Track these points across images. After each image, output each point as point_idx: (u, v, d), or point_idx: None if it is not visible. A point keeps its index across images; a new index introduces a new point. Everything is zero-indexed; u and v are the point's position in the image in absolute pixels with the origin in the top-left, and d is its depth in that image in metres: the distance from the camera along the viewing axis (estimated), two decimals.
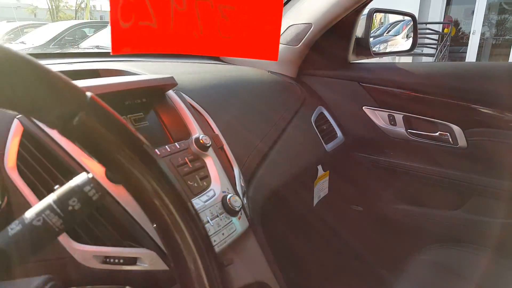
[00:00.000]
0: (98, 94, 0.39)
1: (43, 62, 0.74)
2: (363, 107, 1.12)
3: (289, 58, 1.11)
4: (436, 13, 8.12)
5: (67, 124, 0.25)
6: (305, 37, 1.06)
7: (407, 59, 7.22)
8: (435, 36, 7.41)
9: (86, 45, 6.29)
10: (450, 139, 1.02)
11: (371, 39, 1.15)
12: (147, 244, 0.50)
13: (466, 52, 8.11)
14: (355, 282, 1.01)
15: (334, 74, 1.14)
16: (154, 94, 0.69)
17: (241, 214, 0.62)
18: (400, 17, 1.35)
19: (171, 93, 0.72)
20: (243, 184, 0.69)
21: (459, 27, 8.71)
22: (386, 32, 1.71)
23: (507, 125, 0.97)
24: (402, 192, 1.12)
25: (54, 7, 19.90)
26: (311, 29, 1.04)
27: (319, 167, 1.01)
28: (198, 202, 0.58)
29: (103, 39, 6.33)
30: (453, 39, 8.39)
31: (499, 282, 0.81)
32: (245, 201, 0.66)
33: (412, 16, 1.23)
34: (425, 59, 7.24)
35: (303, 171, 0.92)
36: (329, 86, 1.14)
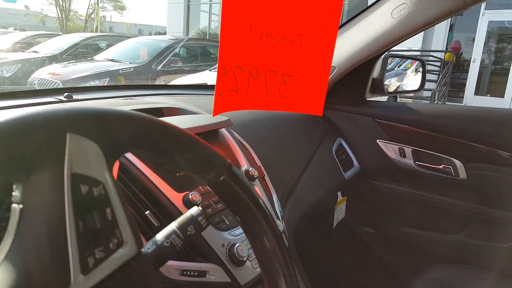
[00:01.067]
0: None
1: (100, 94, 0.89)
2: (377, 140, 1.27)
3: None
4: (439, 40, 8.39)
5: (216, 181, 0.40)
6: (329, 77, 1.21)
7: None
8: (438, 63, 7.65)
9: (99, 58, 6.47)
10: (452, 172, 1.17)
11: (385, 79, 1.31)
12: (215, 260, 0.62)
13: (466, 79, 8.37)
14: None
15: (352, 110, 1.30)
16: (211, 131, 0.84)
17: (283, 233, 0.76)
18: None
19: (223, 130, 0.86)
20: (280, 210, 0.83)
21: (460, 55, 8.97)
22: (397, 66, 1.85)
23: (502, 161, 1.11)
24: (409, 217, 1.26)
25: (63, 16, 20.24)
26: (335, 71, 1.20)
27: (339, 193, 1.15)
28: None
29: (116, 52, 6.51)
30: (455, 65, 8.64)
31: None
32: (283, 224, 0.80)
33: (422, 60, 1.39)
34: (428, 84, 7.49)
35: (326, 196, 1.07)
36: (347, 120, 1.29)
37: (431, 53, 7.82)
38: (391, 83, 1.67)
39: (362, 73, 1.24)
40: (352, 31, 1.13)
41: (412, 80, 1.51)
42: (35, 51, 7.82)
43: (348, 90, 1.27)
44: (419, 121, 1.21)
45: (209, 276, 0.59)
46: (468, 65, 8.43)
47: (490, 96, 8.27)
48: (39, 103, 0.84)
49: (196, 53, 6.79)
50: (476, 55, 8.23)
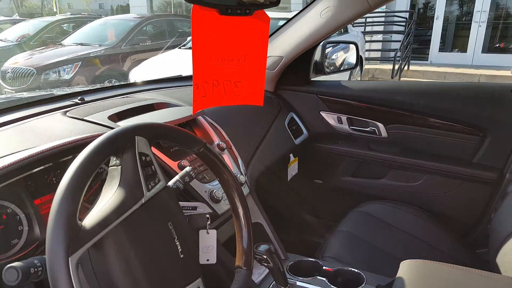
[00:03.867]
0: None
1: (103, 94, 1.22)
2: (320, 112, 1.62)
3: (268, 78, 1.59)
4: (403, 1, 8.66)
5: (198, 152, 0.73)
6: (278, 65, 1.53)
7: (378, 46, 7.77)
8: (403, 23, 7.94)
9: (68, 42, 6.47)
10: (377, 132, 1.54)
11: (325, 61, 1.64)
12: (201, 200, 0.96)
13: (431, 36, 8.69)
14: (311, 228, 1.52)
15: (300, 89, 1.63)
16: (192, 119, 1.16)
17: (245, 184, 1.11)
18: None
19: (199, 117, 1.19)
20: (244, 169, 1.17)
21: (424, 12, 9.24)
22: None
23: (413, 122, 1.48)
24: (347, 169, 1.64)
25: None
26: (283, 60, 1.52)
27: (291, 155, 1.51)
28: None
29: (84, 35, 6.49)
30: (420, 23, 8.91)
31: (409, 225, 1.33)
32: (246, 178, 1.15)
33: (355, 43, 1.72)
34: (394, 44, 7.79)
35: (280, 158, 1.42)
36: (297, 98, 1.63)
37: (396, 14, 8.11)
38: (338, 57, 2.00)
39: (305, 59, 1.56)
40: (293, 28, 1.45)
41: (350, 57, 1.84)
42: (1, 40, 7.70)
43: (295, 73, 1.60)
44: (352, 95, 1.56)
45: (198, 209, 0.94)
46: (433, 22, 8.68)
47: (457, 51, 8.56)
48: (63, 106, 1.13)
49: (163, 29, 6.83)
50: (439, 12, 8.51)
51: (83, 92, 1.28)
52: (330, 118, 1.61)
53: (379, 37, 8.32)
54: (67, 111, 1.09)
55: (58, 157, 0.78)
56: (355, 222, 1.34)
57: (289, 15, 1.36)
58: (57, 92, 1.28)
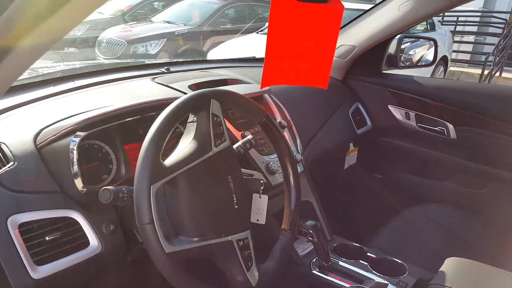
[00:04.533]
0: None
1: (185, 67, 1.36)
2: (388, 105, 1.60)
3: (338, 67, 1.61)
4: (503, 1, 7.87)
5: (260, 121, 0.81)
6: (351, 55, 1.55)
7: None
8: (502, 25, 7.24)
9: (157, 19, 6.94)
10: (445, 132, 1.49)
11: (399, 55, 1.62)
12: (259, 170, 1.05)
13: None
14: (361, 218, 1.52)
15: (370, 80, 1.63)
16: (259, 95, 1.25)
17: (300, 163, 1.18)
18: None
19: (265, 95, 1.27)
20: (301, 149, 1.23)
21: None
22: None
23: (485, 126, 1.41)
24: (409, 167, 1.61)
25: None
26: (355, 49, 1.53)
27: (351, 144, 1.53)
28: None
29: (171, 14, 6.92)
30: None
31: (464, 230, 1.30)
32: (301, 157, 1.21)
33: (434, 40, 1.67)
34: (486, 48, 7.15)
35: (339, 145, 1.45)
36: (365, 89, 1.63)
37: (494, 14, 7.42)
38: (416, 53, 1.94)
39: (378, 51, 1.56)
40: (369, 19, 1.45)
41: (429, 54, 1.78)
42: (100, 13, 8.50)
43: (367, 64, 1.60)
44: (422, 92, 1.52)
45: (254, 177, 1.02)
46: None
47: None
48: (152, 73, 1.29)
49: (244, 13, 7.03)
50: None
51: (169, 63, 1.43)
52: (397, 112, 1.59)
53: (471, 38, 7.67)
54: (155, 77, 1.25)
55: (145, 111, 0.93)
56: (408, 220, 1.34)
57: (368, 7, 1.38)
58: (148, 61, 1.46)
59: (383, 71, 1.63)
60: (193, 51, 5.92)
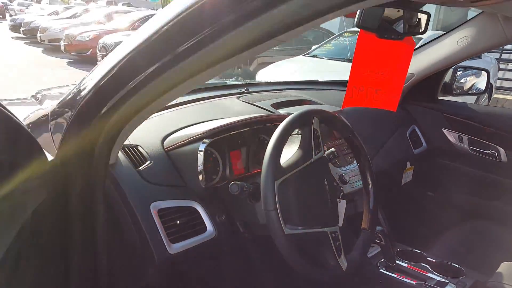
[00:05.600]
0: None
1: (262, 88, 1.60)
2: (443, 129, 1.75)
3: None
4: None
5: (347, 136, 1.01)
6: (410, 81, 1.71)
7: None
8: None
9: None
10: (497, 156, 1.61)
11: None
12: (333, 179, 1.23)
13: None
14: (421, 231, 1.65)
15: (427, 105, 1.78)
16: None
17: None
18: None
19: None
20: None
21: None
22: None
23: None
24: (461, 186, 1.74)
25: None
26: (414, 77, 1.70)
27: (408, 163, 1.68)
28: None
29: None
30: None
31: None
32: None
33: (487, 71, 1.81)
34: None
35: (398, 163, 1.61)
36: (422, 113, 1.79)
37: None
38: (467, 81, 2.08)
39: (435, 79, 1.72)
40: (429, 50, 1.62)
41: (479, 83, 1.92)
42: None
43: (424, 91, 1.76)
44: (476, 118, 1.66)
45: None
46: None
47: None
48: (234, 93, 1.51)
49: None
50: None
51: (247, 85, 1.67)
52: (451, 136, 1.73)
53: None
54: (239, 97, 1.47)
55: (251, 125, 1.14)
56: (460, 233, 1.47)
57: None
58: (229, 82, 1.70)
59: (438, 97, 1.78)
60: (241, 71, 6.24)
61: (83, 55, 8.96)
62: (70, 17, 12.87)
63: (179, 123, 1.17)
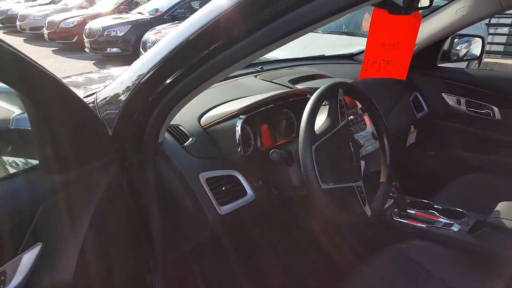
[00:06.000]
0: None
1: (276, 65, 1.75)
2: (442, 93, 1.90)
3: None
4: None
5: (367, 105, 1.16)
6: (413, 52, 1.85)
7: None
8: None
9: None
10: (491, 114, 1.78)
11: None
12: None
13: None
14: (425, 186, 1.83)
15: (427, 72, 1.93)
16: None
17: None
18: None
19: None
20: None
21: None
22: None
23: None
24: (459, 143, 1.91)
25: None
26: (416, 47, 1.83)
27: (411, 126, 1.85)
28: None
29: None
30: None
31: (508, 192, 1.59)
32: None
33: (482, 37, 1.95)
34: None
35: (403, 127, 1.77)
36: (422, 79, 1.94)
37: None
38: (462, 48, 2.23)
39: (435, 47, 1.86)
40: (430, 21, 1.75)
41: (474, 49, 2.07)
42: (140, 13, 8.99)
43: (425, 59, 1.90)
44: (472, 81, 1.82)
45: None
46: None
47: None
48: (250, 72, 1.64)
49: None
50: None
51: (261, 63, 1.79)
52: (450, 99, 1.89)
53: (505, 30, 7.70)
54: (256, 75, 1.60)
55: (277, 101, 1.27)
56: (462, 184, 1.65)
57: None
58: None
59: (438, 65, 1.93)
60: None
61: (68, 42, 8.77)
62: (49, 3, 12.53)
63: (210, 103, 1.30)
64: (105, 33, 7.66)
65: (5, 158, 0.68)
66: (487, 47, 7.14)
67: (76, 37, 8.61)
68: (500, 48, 7.65)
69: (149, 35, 6.86)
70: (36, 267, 0.64)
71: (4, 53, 0.54)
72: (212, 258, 1.25)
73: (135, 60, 0.93)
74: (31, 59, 0.57)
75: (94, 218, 0.78)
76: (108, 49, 7.69)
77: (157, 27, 7.19)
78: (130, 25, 8.01)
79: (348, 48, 2.71)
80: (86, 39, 7.81)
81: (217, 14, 0.70)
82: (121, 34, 7.77)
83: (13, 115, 0.68)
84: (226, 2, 0.71)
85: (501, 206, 1.21)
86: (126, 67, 1.04)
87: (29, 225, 0.62)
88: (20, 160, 0.69)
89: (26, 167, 0.66)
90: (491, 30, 7.27)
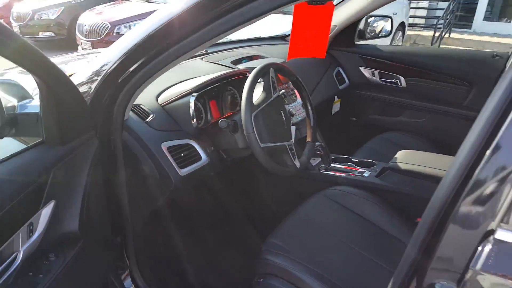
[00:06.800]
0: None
1: (218, 48, 2.01)
2: (359, 67, 2.26)
3: None
4: None
5: (293, 80, 1.45)
6: (333, 31, 2.17)
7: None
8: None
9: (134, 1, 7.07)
10: (399, 83, 2.17)
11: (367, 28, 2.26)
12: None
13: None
14: (347, 144, 2.21)
15: (347, 49, 2.27)
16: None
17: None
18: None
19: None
20: None
21: None
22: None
23: (426, 76, 2.09)
24: (375, 109, 2.30)
25: None
26: (336, 28, 2.15)
27: (335, 97, 2.19)
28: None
29: None
30: None
31: (410, 145, 1.99)
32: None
33: (390, 17, 2.32)
34: (439, 12, 7.87)
35: (328, 98, 2.10)
36: (343, 56, 2.27)
37: None
38: (378, 25, 2.60)
39: (352, 27, 2.19)
40: (347, 5, 2.07)
41: (387, 26, 2.45)
42: None
43: (344, 38, 2.23)
44: (383, 56, 2.19)
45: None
46: None
47: (506, 21, 8.38)
48: (196, 55, 1.86)
49: None
50: None
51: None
52: (366, 72, 2.26)
53: (425, 3, 8.44)
54: (202, 57, 1.83)
55: (222, 80, 1.51)
56: (376, 142, 2.03)
57: None
58: None
59: (355, 43, 2.28)
60: None
61: None
62: None
63: (166, 84, 1.51)
64: (36, 16, 7.25)
65: (13, 138, 0.86)
66: (410, 20, 7.83)
67: (2, 20, 8.01)
68: (422, 21, 8.40)
69: (85, 17, 6.62)
70: (52, 219, 0.85)
71: (27, 48, 0.72)
72: (177, 216, 1.50)
73: (70, 43, 1.08)
74: (42, 53, 0.75)
75: (87, 181, 0.99)
76: (41, 33, 7.31)
77: (97, 8, 6.93)
78: (63, 7, 7.63)
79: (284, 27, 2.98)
80: (14, 23, 7.33)
81: (170, 17, 0.93)
82: (53, 17, 7.40)
83: (18, 103, 0.86)
84: (176, 7, 0.93)
85: (398, 154, 1.58)
86: (95, 51, 1.20)
87: (45, 187, 0.82)
88: (27, 138, 0.87)
89: (33, 143, 0.84)
90: (413, 4, 7.95)
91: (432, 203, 0.65)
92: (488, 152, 0.57)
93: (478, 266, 0.60)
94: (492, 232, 0.59)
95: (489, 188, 0.57)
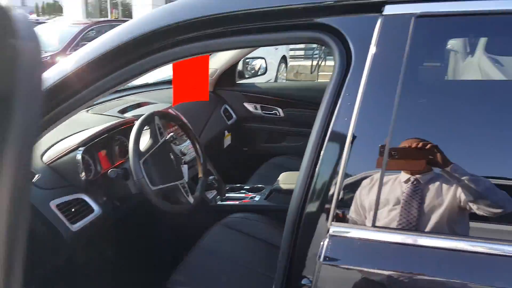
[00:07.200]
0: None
1: (113, 95, 2.09)
2: (244, 103, 2.51)
3: (209, 83, 2.44)
4: None
5: (179, 123, 1.59)
6: (215, 74, 2.39)
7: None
8: None
9: None
10: (278, 113, 2.47)
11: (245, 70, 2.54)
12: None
13: None
14: (239, 173, 2.41)
15: (229, 88, 2.51)
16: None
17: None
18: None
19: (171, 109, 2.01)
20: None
21: None
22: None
23: (300, 105, 2.42)
24: (261, 138, 2.56)
25: None
26: (217, 71, 2.38)
27: (225, 131, 2.39)
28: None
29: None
30: None
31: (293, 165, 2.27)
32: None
33: (263, 58, 2.65)
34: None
35: (218, 134, 2.29)
36: (228, 94, 2.51)
37: None
38: (257, 63, 2.92)
39: (232, 69, 2.45)
40: (224, 52, 2.31)
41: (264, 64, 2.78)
42: None
43: (226, 78, 2.47)
44: (261, 91, 2.48)
45: None
46: None
47: None
48: None
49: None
50: None
51: None
52: (249, 106, 2.52)
53: None
54: (88, 110, 1.86)
55: (110, 131, 1.57)
56: (264, 167, 2.26)
57: None
58: None
59: (237, 82, 2.54)
60: None
61: None
62: None
63: (49, 142, 1.51)
64: None
65: None
66: (292, 53, 8.72)
67: None
68: (302, 52, 9.40)
69: None
70: None
71: None
72: (78, 271, 1.49)
73: None
74: None
75: None
76: None
77: None
78: None
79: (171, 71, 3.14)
80: None
81: (65, 73, 0.99)
82: None
83: None
84: (72, 63, 1.00)
85: (280, 176, 1.81)
86: None
87: None
88: None
89: None
90: None
91: (290, 211, 0.85)
92: (318, 165, 0.82)
93: (321, 258, 0.80)
94: (328, 229, 0.80)
95: (322, 192, 0.79)
